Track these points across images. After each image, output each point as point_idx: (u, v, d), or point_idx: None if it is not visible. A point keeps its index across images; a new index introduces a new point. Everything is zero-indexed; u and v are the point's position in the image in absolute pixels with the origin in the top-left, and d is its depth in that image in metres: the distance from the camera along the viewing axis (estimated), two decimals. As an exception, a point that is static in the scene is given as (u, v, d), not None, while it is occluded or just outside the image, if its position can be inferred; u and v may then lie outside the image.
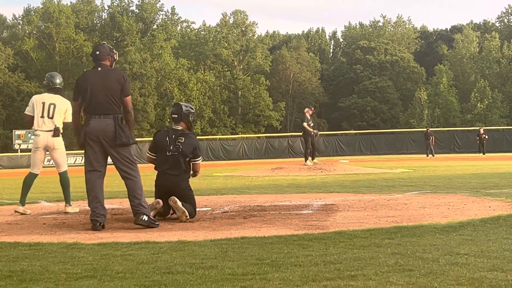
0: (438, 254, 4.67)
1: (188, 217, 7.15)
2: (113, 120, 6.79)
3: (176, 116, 7.60)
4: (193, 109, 7.80)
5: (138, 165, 7.11)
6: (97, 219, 6.73)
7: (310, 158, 21.92)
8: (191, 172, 7.65)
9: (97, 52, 7.00)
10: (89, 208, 6.94)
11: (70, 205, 8.82)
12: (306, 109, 22.52)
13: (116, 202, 10.01)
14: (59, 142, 8.87)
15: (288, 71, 74.16)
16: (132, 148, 6.99)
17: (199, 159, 7.61)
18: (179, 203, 7.18)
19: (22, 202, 8.76)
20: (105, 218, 6.90)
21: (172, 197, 7.22)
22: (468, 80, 70.05)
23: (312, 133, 21.63)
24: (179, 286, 3.83)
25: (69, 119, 8.69)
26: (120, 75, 6.94)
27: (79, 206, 9.74)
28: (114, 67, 7.20)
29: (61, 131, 8.89)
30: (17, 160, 46.22)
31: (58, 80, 9.02)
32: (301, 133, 23.38)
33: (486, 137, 41.00)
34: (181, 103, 7.76)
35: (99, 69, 6.95)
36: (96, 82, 6.85)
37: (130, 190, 6.84)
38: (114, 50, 7.20)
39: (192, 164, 7.55)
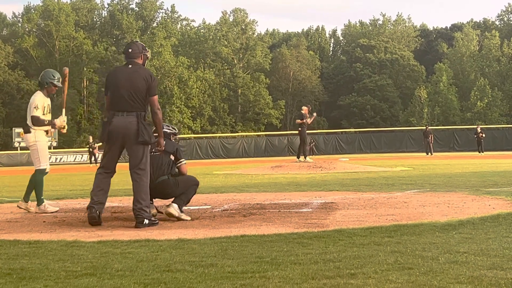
0: (438, 253, 4.67)
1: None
2: (136, 117, 6.81)
3: (156, 135, 7.57)
4: (175, 129, 7.80)
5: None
6: (93, 206, 6.80)
7: (307, 155, 22.02)
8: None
9: (130, 50, 7.02)
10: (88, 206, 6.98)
11: (25, 202, 8.67)
12: (304, 107, 22.61)
13: (116, 200, 10.02)
14: (27, 138, 8.73)
15: (288, 69, 74.19)
16: (148, 149, 6.96)
17: (182, 160, 7.53)
18: (177, 214, 7.15)
19: (26, 198, 8.74)
20: (103, 207, 6.95)
21: (168, 211, 7.18)
22: (468, 79, 70.07)
23: (306, 121, 21.48)
24: (179, 284, 3.83)
25: (35, 113, 8.56)
26: (148, 74, 6.92)
27: (78, 203, 9.75)
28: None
29: (34, 127, 8.63)
30: (17, 158, 46.25)
31: (43, 77, 8.82)
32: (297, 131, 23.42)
33: (484, 135, 41.00)
34: (164, 124, 7.74)
35: (130, 66, 6.97)
36: (123, 79, 6.87)
37: (135, 193, 6.84)
38: (146, 48, 7.20)
39: (178, 167, 7.47)
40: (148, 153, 6.93)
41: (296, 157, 22.51)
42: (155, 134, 7.14)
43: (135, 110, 6.82)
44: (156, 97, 6.97)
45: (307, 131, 22.39)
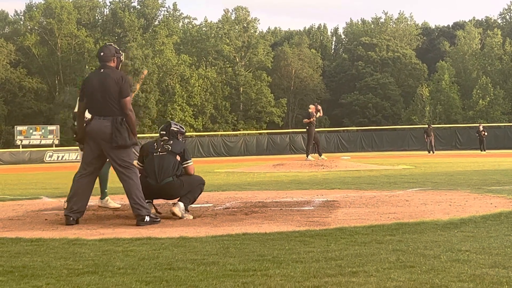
0: (440, 251, 4.66)
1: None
2: (111, 122, 6.79)
3: (164, 132, 7.56)
4: (183, 128, 7.78)
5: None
6: (70, 215, 6.83)
7: (316, 154, 22.01)
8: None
9: (102, 53, 7.00)
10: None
11: (101, 200, 8.71)
12: (311, 106, 22.61)
13: (118, 198, 10.02)
14: None
15: (289, 68, 74.12)
16: (132, 149, 6.97)
17: (189, 161, 7.48)
18: (180, 215, 7.16)
19: (102, 196, 8.77)
20: (81, 215, 6.95)
21: (173, 211, 7.18)
22: (470, 77, 69.95)
23: (313, 120, 21.45)
24: (181, 282, 3.83)
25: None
26: (119, 76, 6.88)
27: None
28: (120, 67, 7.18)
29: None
30: (19, 155, 46.27)
31: None
32: (304, 129, 23.43)
33: (486, 133, 40.91)
34: (172, 122, 7.75)
35: (102, 70, 6.96)
36: (96, 84, 6.87)
37: (127, 192, 6.88)
38: (120, 51, 7.16)
39: (184, 168, 7.43)
40: (131, 151, 6.92)
41: (318, 155, 22.39)
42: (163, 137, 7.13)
43: (111, 115, 6.81)
44: (128, 98, 6.86)
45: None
